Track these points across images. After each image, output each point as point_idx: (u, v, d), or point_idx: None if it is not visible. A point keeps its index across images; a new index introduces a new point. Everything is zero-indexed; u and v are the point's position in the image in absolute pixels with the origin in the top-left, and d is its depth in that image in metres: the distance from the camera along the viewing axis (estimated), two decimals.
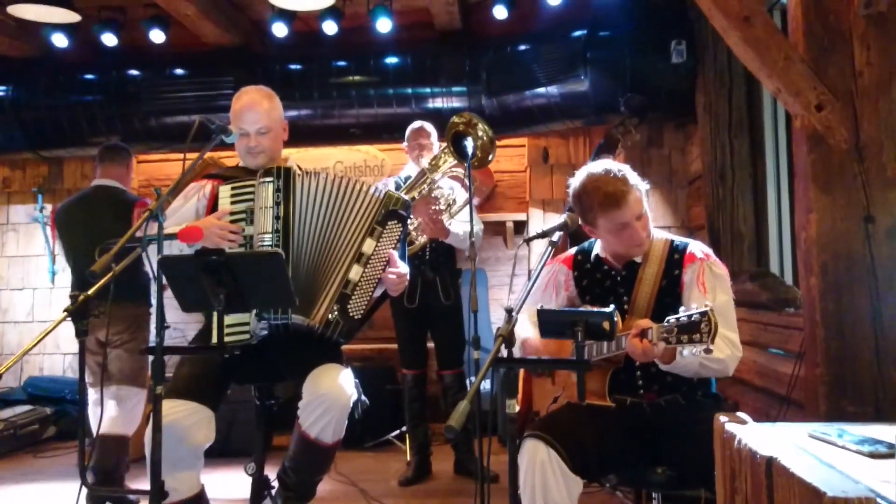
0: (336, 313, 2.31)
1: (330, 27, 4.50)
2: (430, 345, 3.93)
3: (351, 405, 2.27)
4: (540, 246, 2.68)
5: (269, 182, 2.37)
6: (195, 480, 2.30)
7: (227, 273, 1.89)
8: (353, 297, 2.34)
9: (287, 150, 2.88)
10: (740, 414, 1.66)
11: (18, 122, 4.83)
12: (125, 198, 3.64)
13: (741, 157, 3.95)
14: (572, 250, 2.42)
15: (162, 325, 1.92)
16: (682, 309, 1.86)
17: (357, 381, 2.36)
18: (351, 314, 2.33)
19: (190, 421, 2.19)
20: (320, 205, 2.41)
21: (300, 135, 4.47)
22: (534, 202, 5.13)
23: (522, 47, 4.47)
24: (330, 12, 4.41)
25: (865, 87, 2.23)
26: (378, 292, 2.45)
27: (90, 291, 1.92)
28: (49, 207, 5.40)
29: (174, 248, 2.23)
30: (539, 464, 1.96)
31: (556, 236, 2.10)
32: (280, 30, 4.53)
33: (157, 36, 4.63)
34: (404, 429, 4.20)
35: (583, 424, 2.06)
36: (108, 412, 3.43)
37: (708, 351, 1.77)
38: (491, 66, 4.50)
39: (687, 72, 4.13)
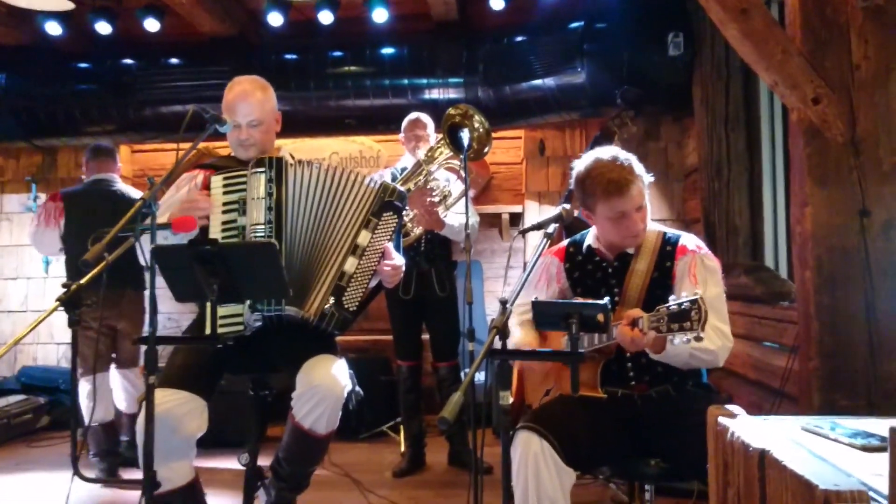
0: (331, 305, 2.30)
1: (326, 17, 4.47)
2: (425, 336, 3.92)
3: (345, 396, 2.26)
4: (535, 238, 2.68)
5: (260, 172, 2.36)
6: (188, 469, 2.29)
7: (220, 263, 1.88)
8: (349, 289, 2.33)
9: (282, 141, 2.87)
10: (732, 407, 1.66)
11: (12, 111, 4.81)
12: (130, 196, 3.83)
13: (737, 150, 3.94)
14: (564, 242, 2.42)
15: (155, 315, 1.91)
16: (671, 298, 1.86)
17: (351, 371, 2.36)
18: (346, 306, 2.32)
19: (183, 410, 2.19)
20: (314, 195, 2.40)
21: (296, 125, 4.46)
22: (530, 194, 5.12)
23: (519, 39, 4.46)
24: (326, 2, 4.39)
25: (862, 81, 2.23)
26: (373, 284, 2.44)
27: (82, 280, 1.91)
28: (43, 197, 5.37)
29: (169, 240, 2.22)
30: (532, 455, 1.96)
31: (551, 228, 2.09)
32: (276, 19, 4.51)
33: (151, 25, 4.60)
34: (399, 420, 4.21)
35: (575, 416, 2.06)
36: (120, 393, 3.88)
37: (698, 339, 1.77)
38: (488, 58, 4.48)
39: (684, 65, 4.12)
